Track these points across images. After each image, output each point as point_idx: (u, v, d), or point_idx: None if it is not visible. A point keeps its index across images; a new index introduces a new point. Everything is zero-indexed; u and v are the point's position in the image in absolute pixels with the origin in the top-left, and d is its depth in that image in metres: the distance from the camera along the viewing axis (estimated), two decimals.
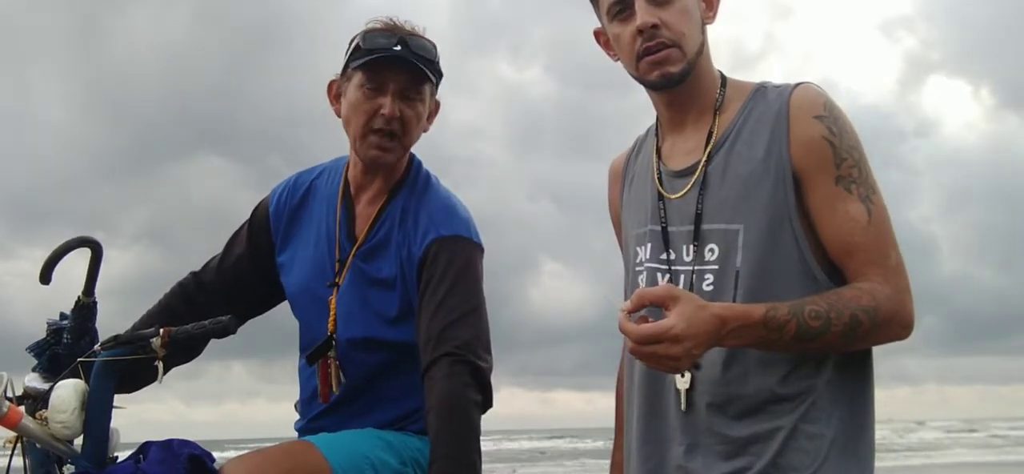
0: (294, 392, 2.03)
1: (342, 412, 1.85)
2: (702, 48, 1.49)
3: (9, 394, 1.61)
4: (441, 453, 1.56)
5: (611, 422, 1.70)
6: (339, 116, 1.89)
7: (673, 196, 1.50)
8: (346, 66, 1.85)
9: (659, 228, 1.51)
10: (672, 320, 1.25)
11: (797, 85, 1.46)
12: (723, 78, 1.54)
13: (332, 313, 1.83)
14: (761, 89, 1.50)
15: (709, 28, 1.52)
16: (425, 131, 1.88)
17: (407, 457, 1.77)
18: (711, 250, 1.44)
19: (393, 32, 1.80)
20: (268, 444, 1.78)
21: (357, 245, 1.85)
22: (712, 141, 1.48)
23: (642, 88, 1.56)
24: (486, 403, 1.65)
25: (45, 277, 1.71)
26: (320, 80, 1.95)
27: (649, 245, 1.53)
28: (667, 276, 1.49)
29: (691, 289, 1.42)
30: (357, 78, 1.81)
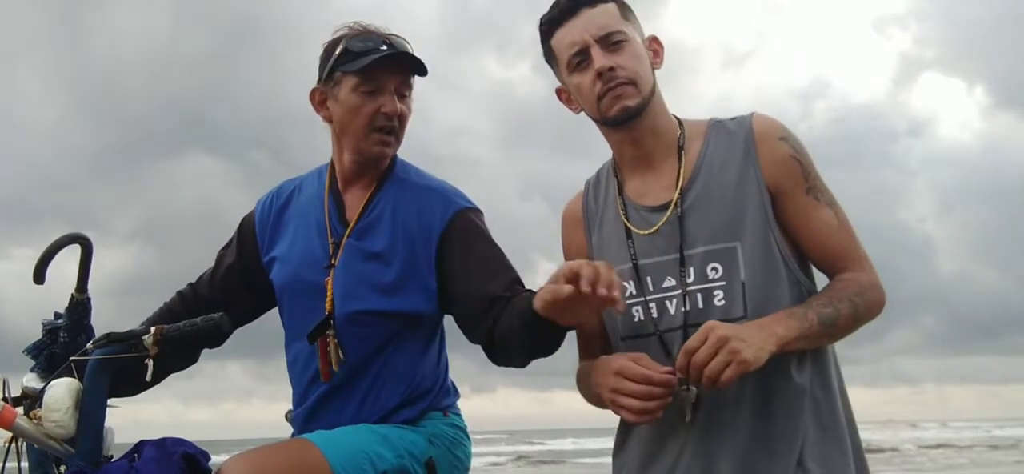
0: (290, 391, 2.02)
1: (341, 396, 1.86)
2: (654, 89, 1.66)
3: (7, 395, 1.62)
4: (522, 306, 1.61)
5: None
6: (329, 121, 1.93)
7: (646, 231, 1.64)
8: (332, 71, 1.87)
9: (630, 265, 1.64)
10: (705, 327, 1.42)
11: (753, 114, 1.66)
12: (680, 121, 1.71)
13: (329, 294, 1.86)
14: (716, 123, 1.68)
15: (660, 76, 1.68)
16: None
17: (402, 450, 1.79)
18: (714, 269, 1.58)
19: (374, 35, 1.86)
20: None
21: (351, 226, 1.89)
22: (683, 175, 1.64)
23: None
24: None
25: (39, 277, 1.72)
26: (303, 78, 1.98)
27: (632, 281, 1.64)
28: (674, 301, 1.60)
29: (702, 307, 1.57)
30: (351, 82, 1.85)
